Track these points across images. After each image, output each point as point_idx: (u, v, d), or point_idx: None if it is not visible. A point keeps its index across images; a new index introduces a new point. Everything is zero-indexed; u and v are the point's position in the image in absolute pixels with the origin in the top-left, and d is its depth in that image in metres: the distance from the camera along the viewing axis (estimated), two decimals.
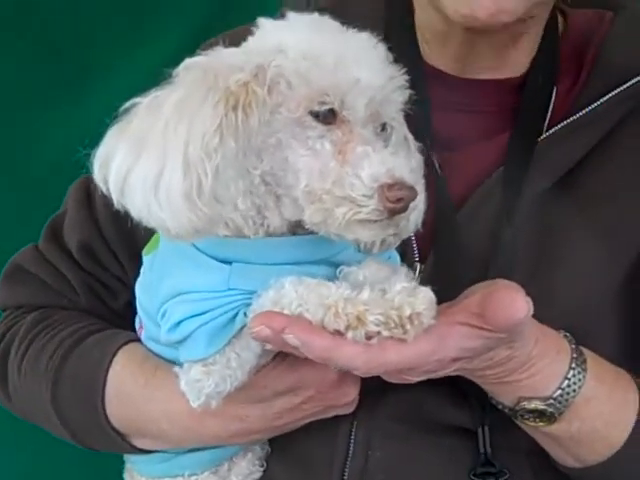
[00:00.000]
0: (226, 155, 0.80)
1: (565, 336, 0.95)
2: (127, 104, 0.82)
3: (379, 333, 0.78)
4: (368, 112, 0.83)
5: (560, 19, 1.12)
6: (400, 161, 0.82)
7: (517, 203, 1.02)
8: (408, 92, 0.87)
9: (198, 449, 1.04)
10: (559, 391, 0.92)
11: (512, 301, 0.80)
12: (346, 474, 1.03)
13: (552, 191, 1.02)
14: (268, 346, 0.85)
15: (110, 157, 0.81)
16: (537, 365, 0.90)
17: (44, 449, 1.59)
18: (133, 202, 0.80)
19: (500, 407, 0.97)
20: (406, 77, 0.87)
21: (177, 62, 0.84)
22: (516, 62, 1.08)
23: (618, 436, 0.95)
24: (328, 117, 0.82)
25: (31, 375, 1.09)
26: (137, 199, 0.80)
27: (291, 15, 0.87)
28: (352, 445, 1.03)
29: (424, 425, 1.02)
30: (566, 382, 0.92)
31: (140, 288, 0.99)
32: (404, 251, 1.01)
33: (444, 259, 1.02)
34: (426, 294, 0.79)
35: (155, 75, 0.84)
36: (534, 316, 0.83)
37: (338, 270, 0.88)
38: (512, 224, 1.01)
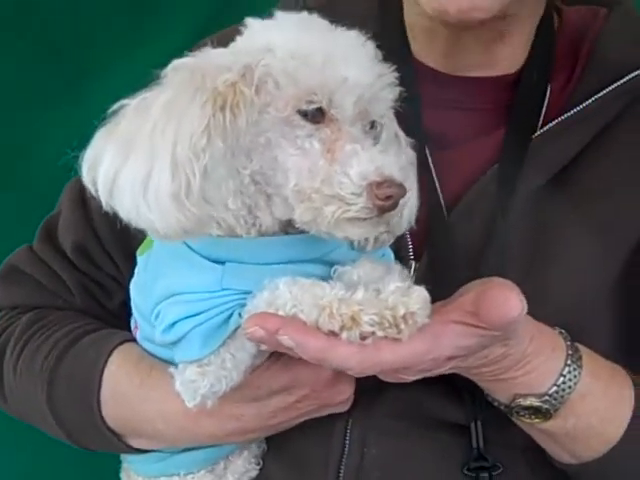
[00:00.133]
0: (214, 155, 0.80)
1: (560, 333, 0.95)
2: (115, 106, 0.83)
3: (373, 333, 0.78)
4: (356, 110, 0.83)
5: (554, 16, 1.12)
6: (389, 159, 0.82)
7: (512, 200, 1.02)
8: (398, 90, 0.87)
9: (194, 448, 1.04)
10: (554, 388, 0.92)
11: (506, 299, 0.80)
12: (342, 472, 1.03)
13: (547, 188, 1.02)
14: (263, 347, 0.85)
15: (98, 159, 0.81)
16: (532, 362, 0.90)
17: (41, 449, 1.60)
18: (122, 203, 0.80)
19: (496, 404, 0.97)
20: (395, 74, 0.87)
21: None
22: (508, 59, 1.08)
23: (614, 432, 0.95)
24: (316, 116, 0.82)
25: (26, 376, 1.09)
26: (126, 200, 0.80)
27: (279, 14, 0.87)
28: (348, 443, 1.03)
29: (419, 422, 1.03)
30: (561, 379, 0.92)
31: (134, 288, 1.00)
32: (399, 249, 1.01)
33: (438, 257, 1.02)
34: (420, 293, 0.80)
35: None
36: (529, 313, 0.83)
37: (332, 270, 0.88)
38: (507, 221, 1.01)
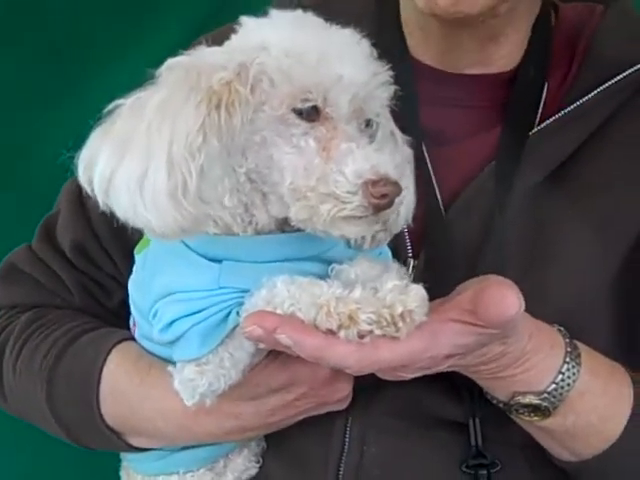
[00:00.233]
0: (210, 154, 0.80)
1: (559, 330, 0.95)
2: (110, 106, 0.83)
3: (371, 332, 0.78)
4: (352, 108, 0.83)
5: (551, 13, 1.12)
6: (385, 157, 0.82)
7: (509, 197, 1.02)
8: (393, 88, 0.87)
9: (193, 446, 1.04)
10: (553, 385, 0.92)
11: (504, 297, 0.80)
12: (341, 470, 1.03)
13: (544, 184, 1.02)
14: (261, 345, 0.86)
15: (94, 159, 0.81)
16: (531, 360, 0.90)
17: (41, 448, 1.60)
18: (118, 203, 0.81)
19: (495, 402, 0.97)
20: (390, 73, 0.86)
21: None
22: (504, 57, 1.08)
23: (613, 430, 0.95)
24: (311, 114, 0.82)
25: (26, 374, 1.09)
26: (122, 200, 0.80)
27: (274, 13, 0.87)
28: (347, 441, 1.03)
29: (418, 420, 1.03)
30: (560, 376, 0.92)
31: (133, 286, 1.00)
32: (397, 247, 1.01)
33: (436, 255, 1.02)
34: (418, 291, 0.80)
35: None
36: (527, 311, 0.83)
37: (330, 268, 0.88)
38: (504, 218, 1.01)
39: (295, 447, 1.07)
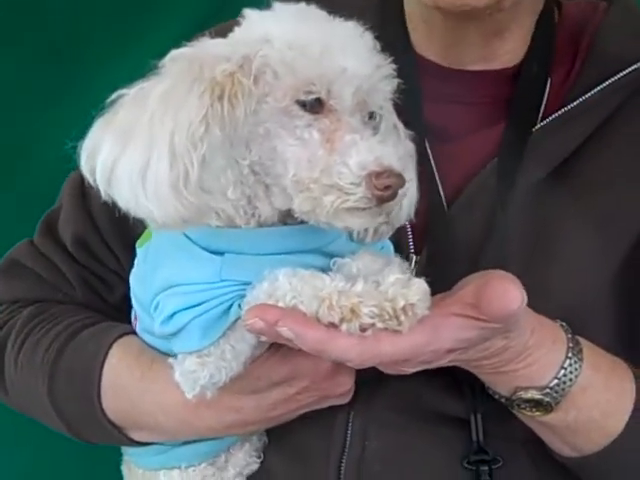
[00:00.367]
0: (212, 145, 0.80)
1: (561, 325, 0.95)
2: (113, 96, 0.83)
3: (373, 325, 0.78)
4: (355, 101, 0.83)
5: (554, 9, 1.12)
6: (388, 149, 0.82)
7: (511, 194, 1.02)
8: (396, 81, 0.87)
9: (195, 441, 1.04)
10: (555, 380, 0.91)
11: (506, 291, 0.80)
12: (343, 464, 1.03)
13: (547, 181, 1.02)
14: (263, 338, 0.85)
15: (97, 148, 0.81)
16: (533, 355, 0.90)
17: (43, 442, 1.60)
18: (120, 193, 0.81)
19: (497, 397, 0.97)
20: (393, 66, 0.87)
21: None
22: (508, 52, 1.08)
23: (615, 425, 0.95)
24: (315, 106, 0.82)
25: (27, 369, 1.09)
26: (124, 190, 0.80)
27: (277, 6, 0.87)
28: (349, 435, 1.03)
29: (421, 415, 1.02)
30: (562, 371, 0.91)
31: (134, 279, 1.00)
32: (399, 243, 1.01)
33: (438, 251, 1.02)
34: (420, 285, 0.80)
35: None
36: (529, 307, 0.83)
37: (332, 262, 0.88)
38: (506, 215, 1.01)
39: (296, 442, 1.06)
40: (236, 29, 0.87)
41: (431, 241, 1.03)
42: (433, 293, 0.81)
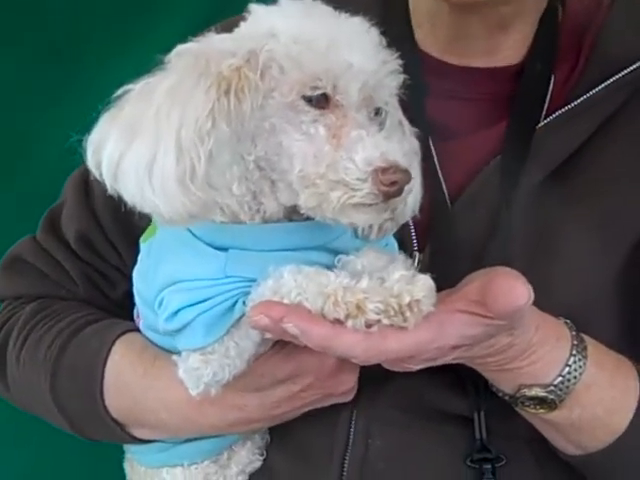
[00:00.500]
0: (219, 139, 0.80)
1: (565, 323, 0.95)
2: (119, 91, 0.82)
3: (379, 321, 0.78)
4: (361, 96, 0.83)
5: (558, 6, 1.12)
6: (394, 145, 0.82)
7: (515, 191, 1.01)
8: (402, 77, 0.87)
9: (197, 438, 1.04)
10: (560, 378, 0.91)
11: (512, 288, 0.80)
12: (346, 463, 1.03)
13: (549, 179, 1.02)
14: (267, 335, 0.85)
15: (103, 143, 0.81)
16: (538, 352, 0.90)
17: (45, 439, 1.59)
18: (126, 187, 0.80)
19: (500, 394, 0.96)
20: (399, 62, 0.87)
21: None
22: (511, 48, 1.08)
23: (619, 423, 0.95)
24: (321, 101, 0.82)
25: (30, 365, 1.09)
26: (130, 184, 0.80)
27: (283, 1, 0.87)
28: (352, 434, 1.03)
29: (424, 413, 1.02)
30: (567, 369, 0.91)
31: (137, 276, 0.99)
32: (403, 241, 1.01)
33: (441, 248, 1.02)
34: (425, 281, 0.79)
35: None
36: (533, 304, 0.83)
37: (336, 259, 0.88)
38: (510, 212, 1.01)
39: (300, 440, 1.06)
40: (242, 24, 0.87)
41: (434, 238, 1.03)
42: (438, 290, 0.81)
